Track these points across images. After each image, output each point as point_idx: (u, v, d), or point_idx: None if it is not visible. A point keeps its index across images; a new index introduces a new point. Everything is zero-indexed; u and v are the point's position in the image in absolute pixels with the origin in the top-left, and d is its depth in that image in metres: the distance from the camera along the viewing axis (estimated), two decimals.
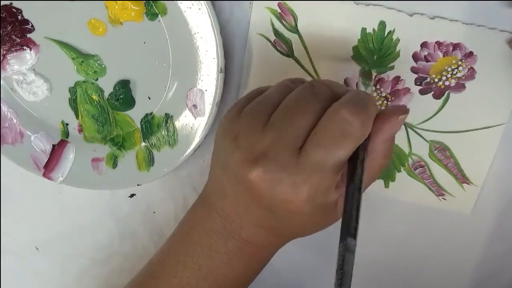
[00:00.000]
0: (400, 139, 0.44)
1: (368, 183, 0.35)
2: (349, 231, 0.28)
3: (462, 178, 0.44)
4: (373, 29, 0.40)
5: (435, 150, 0.44)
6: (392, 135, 0.33)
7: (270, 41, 0.42)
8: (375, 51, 0.41)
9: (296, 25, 0.41)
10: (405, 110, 0.32)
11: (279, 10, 0.41)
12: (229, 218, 0.35)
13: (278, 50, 0.42)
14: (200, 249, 0.37)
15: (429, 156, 0.44)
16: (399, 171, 0.45)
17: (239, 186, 0.32)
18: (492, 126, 0.42)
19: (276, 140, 0.31)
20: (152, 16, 0.41)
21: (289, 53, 0.42)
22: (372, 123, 0.31)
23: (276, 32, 0.42)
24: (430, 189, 0.45)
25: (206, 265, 0.37)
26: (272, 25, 0.41)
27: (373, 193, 0.46)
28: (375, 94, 0.43)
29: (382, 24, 0.40)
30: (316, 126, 0.31)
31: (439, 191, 0.45)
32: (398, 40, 0.40)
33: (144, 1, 0.40)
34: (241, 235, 0.35)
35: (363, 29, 0.40)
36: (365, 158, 0.31)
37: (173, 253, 0.39)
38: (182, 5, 0.39)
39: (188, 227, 0.38)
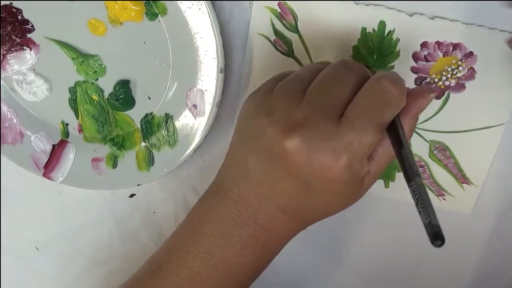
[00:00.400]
0: None
1: (389, 162, 0.36)
2: (414, 171, 0.30)
3: (462, 178, 0.44)
4: (373, 28, 0.40)
5: (435, 150, 0.44)
6: (419, 112, 0.34)
7: (270, 40, 0.42)
8: (375, 51, 0.41)
9: (296, 25, 0.41)
10: (432, 89, 0.35)
11: (279, 10, 0.41)
12: (246, 203, 0.35)
13: (278, 50, 0.42)
14: (213, 239, 0.36)
15: (429, 156, 0.44)
16: (399, 171, 0.45)
17: (270, 162, 0.33)
18: (492, 126, 0.42)
19: (314, 111, 0.32)
20: (152, 16, 0.41)
21: (289, 53, 0.42)
22: (405, 99, 0.33)
23: (276, 31, 0.42)
24: (430, 189, 0.45)
25: (218, 254, 0.36)
26: (272, 24, 0.42)
27: (373, 193, 0.45)
28: None
29: (382, 24, 0.40)
30: (356, 96, 0.32)
31: (439, 191, 0.45)
32: (398, 40, 0.40)
33: (144, 1, 0.40)
34: (257, 221, 0.35)
35: (363, 29, 0.40)
36: (402, 129, 0.33)
37: (182, 244, 0.38)
38: (182, 5, 0.40)
39: (199, 217, 0.38)
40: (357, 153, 0.32)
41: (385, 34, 0.40)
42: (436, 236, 0.29)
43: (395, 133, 0.32)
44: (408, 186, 0.30)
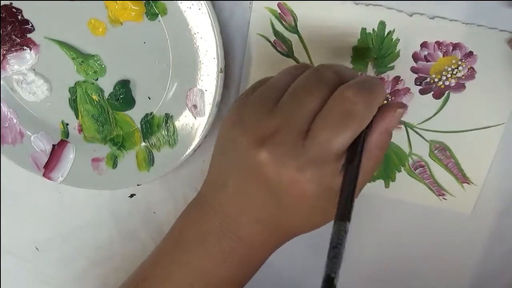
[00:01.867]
0: (400, 139, 0.44)
1: (365, 177, 0.35)
2: (344, 214, 0.29)
3: (462, 178, 0.45)
4: (373, 29, 0.40)
5: (435, 150, 0.44)
6: (388, 128, 0.33)
7: (270, 41, 0.42)
8: (375, 51, 0.41)
9: (296, 25, 0.41)
10: (403, 105, 0.33)
11: (278, 11, 0.41)
12: (227, 215, 0.35)
13: (278, 51, 0.42)
14: (195, 250, 0.36)
15: (429, 156, 0.44)
16: (399, 171, 0.45)
17: (245, 172, 0.33)
18: (492, 126, 0.43)
19: (283, 123, 0.32)
20: (152, 16, 0.41)
21: (289, 53, 0.42)
22: (377, 107, 0.32)
23: (276, 32, 0.42)
24: (430, 189, 0.45)
25: (200, 266, 0.37)
26: (272, 25, 0.42)
27: (374, 193, 0.46)
28: None
29: (382, 24, 0.40)
30: (323, 108, 0.32)
31: (439, 191, 0.45)
32: (398, 40, 0.40)
33: (144, 1, 0.41)
34: (237, 233, 0.35)
35: (363, 29, 0.40)
36: (364, 148, 0.32)
37: (166, 255, 0.38)
38: (182, 5, 0.40)
39: (182, 228, 0.38)
40: (324, 167, 0.32)
41: (385, 34, 0.40)
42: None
43: (353, 151, 0.32)
44: (334, 222, 0.29)
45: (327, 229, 0.47)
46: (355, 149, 0.32)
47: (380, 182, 0.46)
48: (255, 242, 0.36)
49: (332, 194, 0.33)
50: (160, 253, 0.39)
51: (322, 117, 0.31)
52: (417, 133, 0.44)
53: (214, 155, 0.37)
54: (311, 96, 0.32)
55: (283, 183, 0.32)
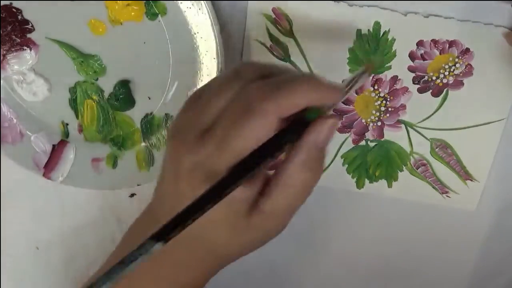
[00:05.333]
0: (401, 139, 0.46)
1: (292, 202, 0.32)
2: (164, 235, 0.27)
3: (465, 175, 0.47)
4: (368, 29, 0.42)
5: (437, 148, 0.46)
6: (317, 143, 0.31)
7: (266, 46, 0.44)
8: (371, 52, 0.43)
9: (291, 29, 0.43)
10: (334, 116, 0.31)
11: (273, 16, 0.43)
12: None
13: (274, 55, 0.44)
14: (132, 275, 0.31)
15: (431, 154, 0.46)
16: (401, 170, 0.47)
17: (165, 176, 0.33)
18: (493, 122, 0.45)
19: (191, 119, 0.32)
20: (152, 16, 0.43)
21: (286, 58, 0.44)
22: (287, 107, 0.30)
23: (271, 37, 0.44)
24: (433, 187, 0.48)
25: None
26: (268, 30, 0.44)
27: (377, 193, 0.48)
28: (373, 93, 0.45)
29: (377, 25, 0.42)
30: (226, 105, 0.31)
31: (442, 188, 0.47)
32: (393, 39, 0.42)
33: (144, 1, 0.43)
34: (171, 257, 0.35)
35: (358, 30, 0.42)
36: (261, 165, 0.30)
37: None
38: (182, 5, 0.42)
39: (121, 247, 0.39)
40: (216, 171, 0.30)
41: (381, 35, 0.42)
42: None
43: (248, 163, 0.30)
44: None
45: (328, 229, 0.50)
46: (247, 164, 0.29)
47: (383, 182, 0.48)
48: (190, 264, 0.35)
49: (236, 211, 0.31)
50: (104, 268, 0.40)
51: (223, 113, 0.30)
52: (417, 132, 0.46)
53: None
54: (220, 91, 0.31)
55: (182, 188, 0.31)
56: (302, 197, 0.32)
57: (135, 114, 0.47)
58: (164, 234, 0.26)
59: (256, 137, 0.30)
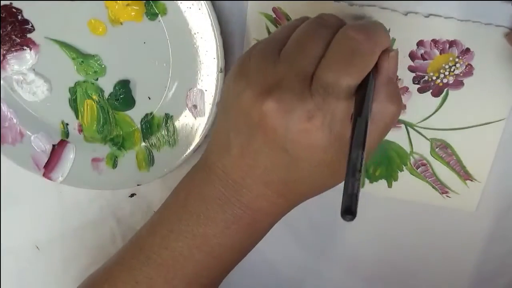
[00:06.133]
0: (401, 138, 0.46)
1: (381, 137, 0.35)
2: (356, 167, 0.29)
3: (465, 175, 0.47)
4: None
5: (437, 148, 0.46)
6: (390, 75, 0.34)
7: None
8: None
9: None
10: (393, 49, 0.35)
11: (273, 15, 0.43)
12: (230, 178, 0.35)
13: None
14: (196, 217, 0.37)
15: (431, 154, 0.46)
16: (401, 170, 0.47)
17: (250, 128, 0.33)
18: (493, 122, 0.44)
19: (288, 71, 0.32)
20: (152, 16, 0.43)
21: None
22: (380, 47, 0.33)
23: None
24: (433, 187, 0.48)
25: (201, 234, 0.37)
26: (268, 30, 0.44)
27: (377, 193, 0.48)
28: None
29: None
30: (326, 51, 0.33)
31: (442, 188, 0.47)
32: (393, 39, 0.42)
33: (144, 1, 0.43)
34: (241, 199, 0.36)
35: None
36: (371, 94, 0.32)
37: (164, 223, 0.38)
38: (182, 5, 0.42)
39: (183, 195, 0.38)
40: (333, 112, 0.32)
41: None
42: (348, 210, 0.28)
43: (361, 96, 0.32)
44: (347, 168, 0.29)
45: (328, 229, 0.51)
46: (362, 96, 0.32)
47: (382, 182, 0.48)
48: (261, 208, 0.36)
49: (341, 145, 0.33)
50: (159, 220, 0.40)
51: (326, 59, 0.32)
52: (417, 131, 0.46)
53: (218, 113, 0.37)
54: (313, 40, 0.33)
55: (292, 132, 0.32)
56: (388, 130, 0.35)
57: (135, 114, 0.48)
58: (361, 167, 0.29)
59: (362, 77, 0.32)
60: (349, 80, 0.32)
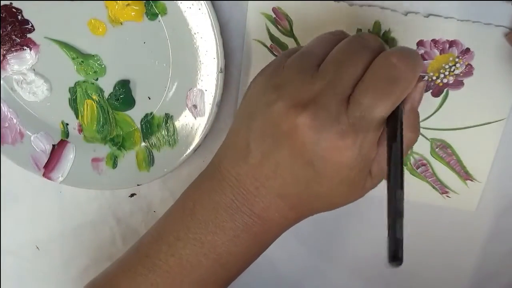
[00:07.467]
0: None
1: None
2: (397, 183, 0.31)
3: (465, 175, 0.47)
4: (368, 29, 0.42)
5: (437, 148, 0.46)
6: (413, 105, 0.35)
7: (266, 46, 0.45)
8: None
9: (292, 29, 0.44)
10: (421, 78, 0.35)
11: (274, 15, 0.43)
12: (243, 187, 0.35)
13: (275, 55, 0.45)
14: (205, 225, 0.37)
15: (431, 154, 0.47)
16: None
17: (275, 140, 0.34)
18: (493, 122, 0.45)
19: (326, 88, 0.33)
20: (152, 16, 0.44)
21: None
22: (417, 76, 0.34)
23: (272, 37, 0.44)
24: (433, 187, 0.48)
25: (209, 241, 0.37)
26: (268, 30, 0.44)
27: (377, 193, 0.47)
28: None
29: (377, 25, 0.42)
30: (365, 73, 0.33)
31: (442, 189, 0.48)
32: (393, 39, 0.43)
33: (144, 1, 0.43)
34: (252, 208, 0.36)
35: (358, 30, 0.43)
36: (402, 123, 0.33)
37: (171, 230, 0.38)
38: (182, 5, 0.42)
39: (191, 201, 0.38)
40: (365, 135, 0.33)
41: (381, 35, 0.43)
42: (395, 256, 0.29)
43: (394, 123, 0.33)
44: (387, 190, 0.31)
45: (328, 230, 0.51)
46: (395, 124, 0.33)
47: (383, 182, 0.46)
48: (272, 219, 0.36)
49: (365, 166, 0.34)
50: (165, 226, 0.39)
51: (365, 82, 0.33)
52: None
53: (235, 123, 0.37)
54: (354, 61, 0.33)
55: (322, 148, 0.33)
56: (405, 155, 0.36)
57: (135, 114, 0.48)
58: (402, 183, 0.32)
59: (397, 104, 0.33)
60: (387, 106, 0.33)
